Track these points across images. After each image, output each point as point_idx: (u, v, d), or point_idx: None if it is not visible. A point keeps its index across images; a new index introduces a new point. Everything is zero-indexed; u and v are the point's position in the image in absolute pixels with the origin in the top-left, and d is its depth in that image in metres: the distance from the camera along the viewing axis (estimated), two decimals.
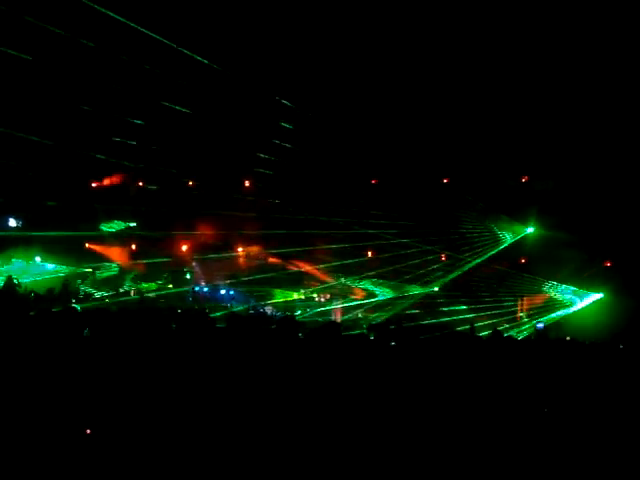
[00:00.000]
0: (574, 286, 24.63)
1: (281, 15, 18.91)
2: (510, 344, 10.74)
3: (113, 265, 25.75)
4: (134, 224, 25.82)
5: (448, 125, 22.52)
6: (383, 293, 26.61)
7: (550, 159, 22.58)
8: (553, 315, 24.65)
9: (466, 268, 24.98)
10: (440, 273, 25.21)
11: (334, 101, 21.73)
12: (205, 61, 18.33)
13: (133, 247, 26.07)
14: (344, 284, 26.83)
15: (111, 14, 15.71)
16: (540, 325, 22.06)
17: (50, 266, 24.49)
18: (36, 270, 23.84)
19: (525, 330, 23.53)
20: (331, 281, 26.62)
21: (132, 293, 25.19)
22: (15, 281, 18.64)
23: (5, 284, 18.36)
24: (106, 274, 25.46)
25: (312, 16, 19.04)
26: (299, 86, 21.08)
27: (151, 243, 25.65)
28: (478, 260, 24.84)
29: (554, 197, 22.96)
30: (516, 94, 21.40)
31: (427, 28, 19.76)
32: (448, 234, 24.50)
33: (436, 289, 25.59)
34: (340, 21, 19.41)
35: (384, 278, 25.90)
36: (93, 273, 24.94)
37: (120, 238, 25.70)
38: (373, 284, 26.53)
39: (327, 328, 8.21)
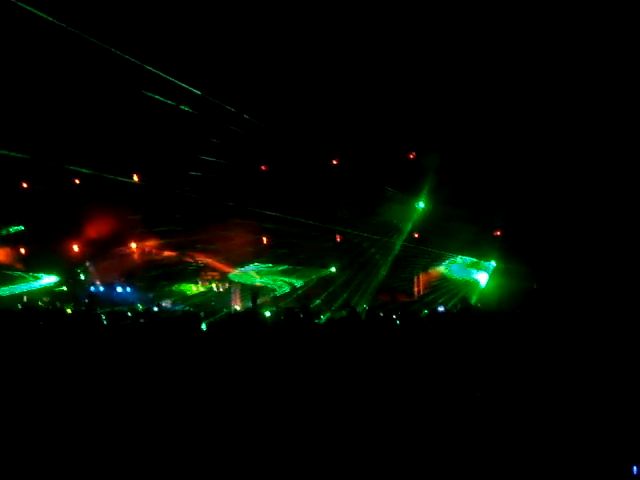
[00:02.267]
0: (467, 256, 25.09)
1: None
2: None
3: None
4: (21, 227, 25.32)
5: (332, 104, 22.59)
6: (283, 280, 26.77)
7: (435, 133, 22.85)
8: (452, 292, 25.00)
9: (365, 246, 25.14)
10: (335, 255, 25.43)
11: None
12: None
13: (22, 251, 25.61)
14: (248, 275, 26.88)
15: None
16: (441, 309, 22.26)
17: None
18: None
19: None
20: (230, 271, 26.63)
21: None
22: None
23: None
24: None
25: None
26: None
27: (41, 246, 25.21)
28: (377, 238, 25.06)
29: (442, 171, 23.29)
30: (395, 65, 21.54)
31: None
32: (343, 216, 24.66)
33: (333, 270, 25.82)
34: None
35: (281, 264, 26.04)
36: None
37: (7, 242, 25.24)
38: (272, 272, 26.65)
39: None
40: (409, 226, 24.84)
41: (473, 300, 24.22)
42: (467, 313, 16.72)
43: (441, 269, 25.84)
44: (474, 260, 25.35)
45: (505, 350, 8.40)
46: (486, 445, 6.19)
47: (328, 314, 21.21)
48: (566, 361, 7.72)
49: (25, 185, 24.94)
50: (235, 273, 26.33)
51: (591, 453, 6.08)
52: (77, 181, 24.90)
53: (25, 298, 25.04)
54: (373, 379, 7.12)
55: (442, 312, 20.52)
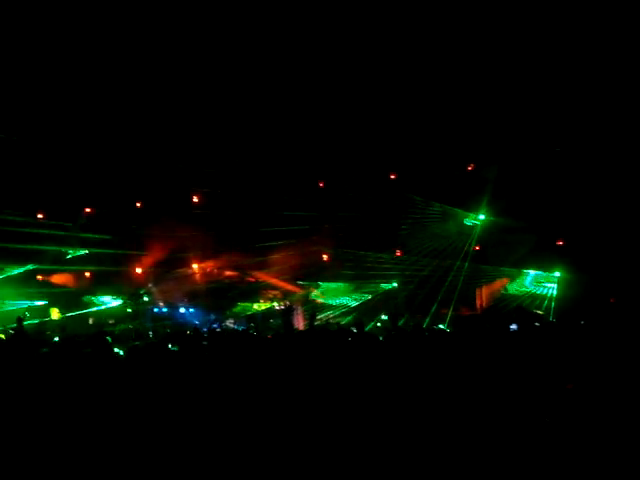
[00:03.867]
0: (529, 268, 24.87)
1: None
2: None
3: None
4: (85, 251, 25.95)
5: (388, 119, 22.68)
6: (346, 297, 26.89)
7: (493, 145, 22.78)
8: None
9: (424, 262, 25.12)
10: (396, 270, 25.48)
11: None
12: None
13: (87, 274, 26.27)
14: (307, 291, 27.07)
15: None
16: (514, 326, 21.71)
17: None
18: None
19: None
20: (292, 289, 26.87)
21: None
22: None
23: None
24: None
25: None
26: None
27: (105, 268, 25.83)
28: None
29: (500, 183, 23.16)
30: (454, 80, 21.56)
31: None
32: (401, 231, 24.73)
33: (395, 285, 25.85)
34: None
35: (342, 280, 26.19)
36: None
37: (72, 266, 25.91)
38: (334, 289, 26.83)
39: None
40: (470, 239, 24.72)
41: (539, 311, 23.90)
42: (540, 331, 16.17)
43: (505, 281, 25.60)
44: (539, 272, 25.08)
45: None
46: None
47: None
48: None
49: (88, 210, 25.57)
50: (314, 292, 26.58)
51: None
52: (138, 204, 25.49)
53: (91, 320, 25.63)
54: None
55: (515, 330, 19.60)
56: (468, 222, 24.56)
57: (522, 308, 22.33)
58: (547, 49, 20.08)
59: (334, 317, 25.49)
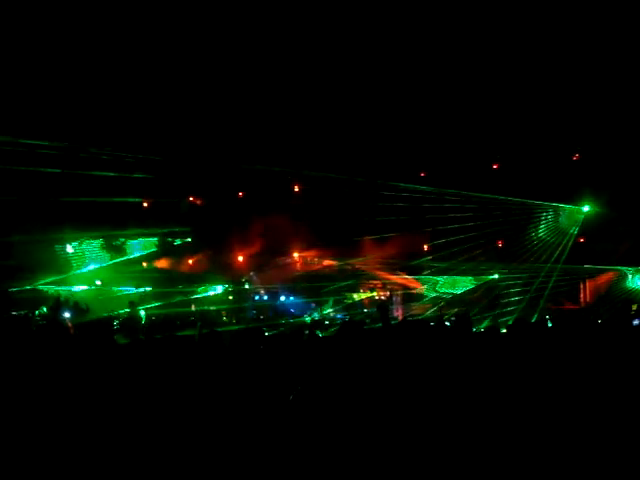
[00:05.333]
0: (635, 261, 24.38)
1: None
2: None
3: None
4: (189, 239, 26.68)
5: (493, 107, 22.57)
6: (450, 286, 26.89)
7: (598, 134, 22.44)
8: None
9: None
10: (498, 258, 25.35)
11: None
12: None
13: (189, 262, 26.99)
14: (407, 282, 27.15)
15: None
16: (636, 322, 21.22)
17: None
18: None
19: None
20: (391, 277, 26.99)
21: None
22: None
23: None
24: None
25: None
26: None
27: (207, 256, 26.52)
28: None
29: (606, 173, 22.77)
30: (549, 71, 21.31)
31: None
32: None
33: (496, 277, 25.71)
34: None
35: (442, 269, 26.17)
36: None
37: (176, 253, 26.65)
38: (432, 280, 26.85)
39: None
40: (574, 230, 24.39)
41: None
42: None
43: (611, 275, 25.15)
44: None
45: None
46: None
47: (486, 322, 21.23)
48: None
49: (192, 198, 26.27)
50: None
51: None
52: (241, 193, 26.06)
53: (193, 306, 26.32)
54: None
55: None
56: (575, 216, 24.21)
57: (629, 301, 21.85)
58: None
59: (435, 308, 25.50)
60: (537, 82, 21.40)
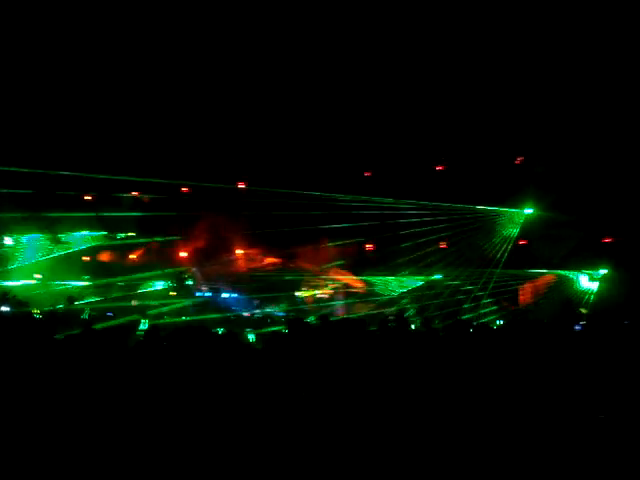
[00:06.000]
0: (574, 266, 24.79)
1: None
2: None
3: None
4: (133, 233, 26.38)
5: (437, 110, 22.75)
6: (390, 287, 27.02)
7: (541, 138, 22.75)
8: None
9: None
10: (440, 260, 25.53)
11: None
12: None
13: (133, 257, 26.68)
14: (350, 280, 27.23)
15: None
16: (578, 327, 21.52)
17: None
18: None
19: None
20: (335, 276, 27.05)
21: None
22: None
23: None
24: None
25: None
26: None
27: (151, 252, 26.25)
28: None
29: (548, 177, 23.13)
30: (503, 73, 21.57)
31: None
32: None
33: (439, 277, 25.93)
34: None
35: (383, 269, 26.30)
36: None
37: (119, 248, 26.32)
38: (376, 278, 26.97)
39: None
40: (514, 232, 24.73)
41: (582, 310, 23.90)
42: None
43: (550, 277, 25.57)
44: (584, 268, 25.01)
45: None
46: None
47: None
48: None
49: (136, 194, 25.97)
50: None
51: None
52: (185, 189, 25.83)
53: (134, 302, 26.02)
54: None
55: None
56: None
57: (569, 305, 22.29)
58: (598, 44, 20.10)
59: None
60: (476, 89, 21.70)
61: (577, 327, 19.17)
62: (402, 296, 26.35)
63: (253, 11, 19.38)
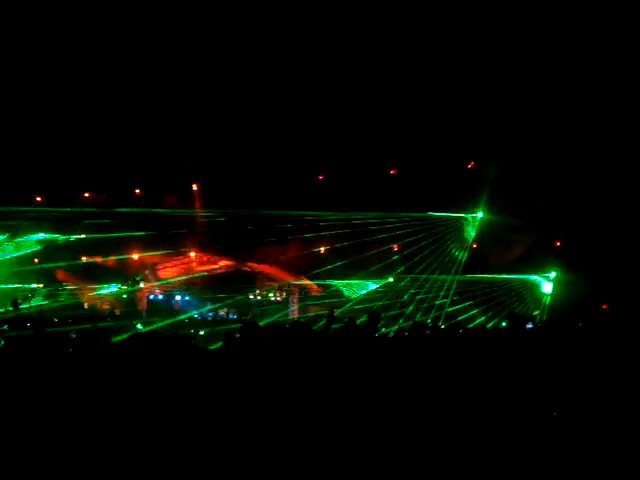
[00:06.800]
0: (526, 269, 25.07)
1: None
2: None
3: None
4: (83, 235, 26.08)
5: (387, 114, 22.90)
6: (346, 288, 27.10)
7: (492, 142, 23.01)
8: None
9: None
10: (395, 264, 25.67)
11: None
12: None
13: (83, 259, 26.37)
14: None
15: None
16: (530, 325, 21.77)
17: None
18: None
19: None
20: (289, 280, 27.09)
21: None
22: None
23: None
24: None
25: None
26: None
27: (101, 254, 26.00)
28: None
29: (498, 181, 23.38)
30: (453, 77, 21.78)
31: None
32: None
33: (391, 280, 26.06)
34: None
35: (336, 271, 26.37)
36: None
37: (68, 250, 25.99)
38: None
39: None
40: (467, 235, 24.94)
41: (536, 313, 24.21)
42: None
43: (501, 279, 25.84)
44: (535, 272, 25.31)
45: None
46: None
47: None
48: None
49: (87, 194, 25.75)
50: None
51: None
52: (137, 190, 25.71)
53: (86, 305, 25.78)
54: None
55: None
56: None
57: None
58: (546, 47, 20.36)
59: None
60: (427, 95, 21.91)
61: (529, 325, 19.49)
62: (356, 299, 26.44)
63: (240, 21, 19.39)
